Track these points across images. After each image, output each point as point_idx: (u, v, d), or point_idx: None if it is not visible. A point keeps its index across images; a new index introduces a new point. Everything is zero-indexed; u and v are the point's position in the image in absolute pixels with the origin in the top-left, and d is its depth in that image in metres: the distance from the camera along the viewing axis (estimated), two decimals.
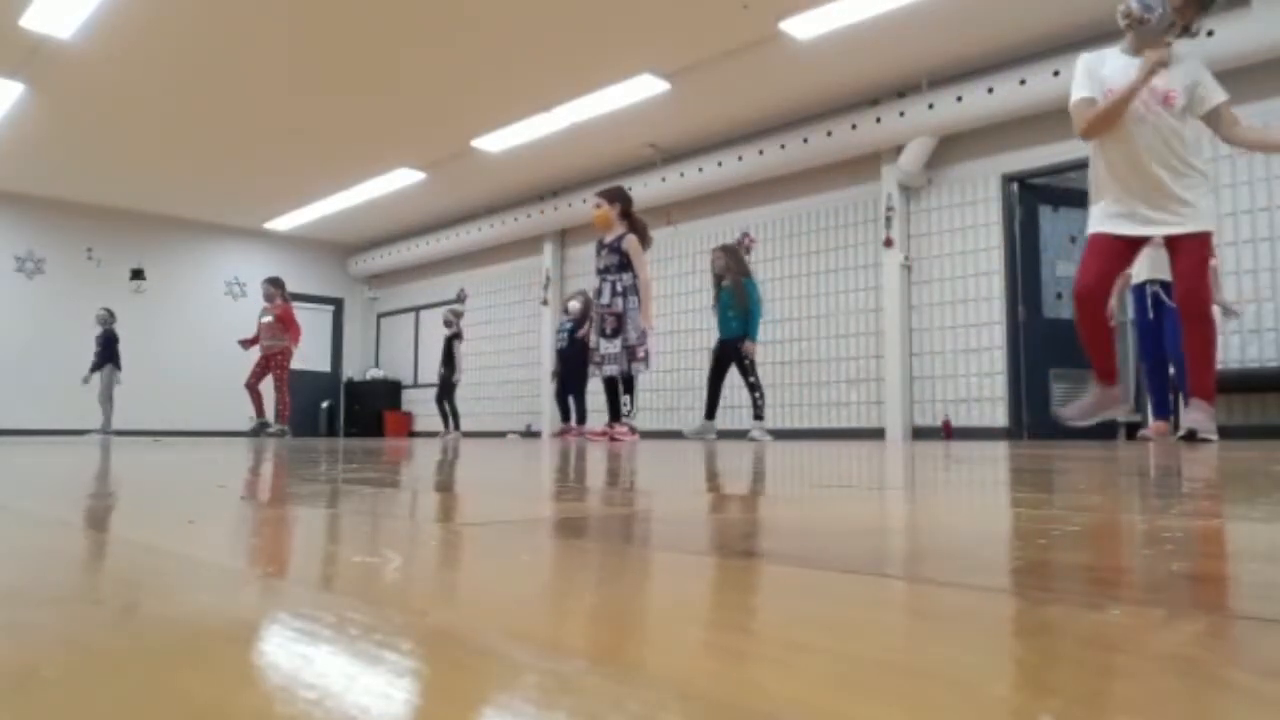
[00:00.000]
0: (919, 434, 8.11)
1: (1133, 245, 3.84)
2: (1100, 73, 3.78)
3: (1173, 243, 3.71)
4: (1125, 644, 0.35)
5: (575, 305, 8.85)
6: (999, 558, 0.62)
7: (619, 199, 6.09)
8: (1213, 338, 3.67)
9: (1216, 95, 3.60)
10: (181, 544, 0.69)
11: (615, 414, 6.15)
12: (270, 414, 9.64)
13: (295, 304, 14.27)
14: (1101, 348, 3.91)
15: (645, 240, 6.08)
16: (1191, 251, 3.66)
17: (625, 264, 6.00)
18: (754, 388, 7.06)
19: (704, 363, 8.64)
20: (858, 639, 0.37)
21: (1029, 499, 1.15)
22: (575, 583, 0.52)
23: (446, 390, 10.64)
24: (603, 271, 6.07)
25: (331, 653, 0.32)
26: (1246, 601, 0.45)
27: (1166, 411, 5.24)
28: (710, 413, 7.26)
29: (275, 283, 9.76)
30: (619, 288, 5.96)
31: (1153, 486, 1.41)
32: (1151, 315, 5.32)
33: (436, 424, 10.93)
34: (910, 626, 0.41)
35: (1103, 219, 3.82)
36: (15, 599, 0.45)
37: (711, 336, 9.35)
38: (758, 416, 7.09)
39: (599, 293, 6.10)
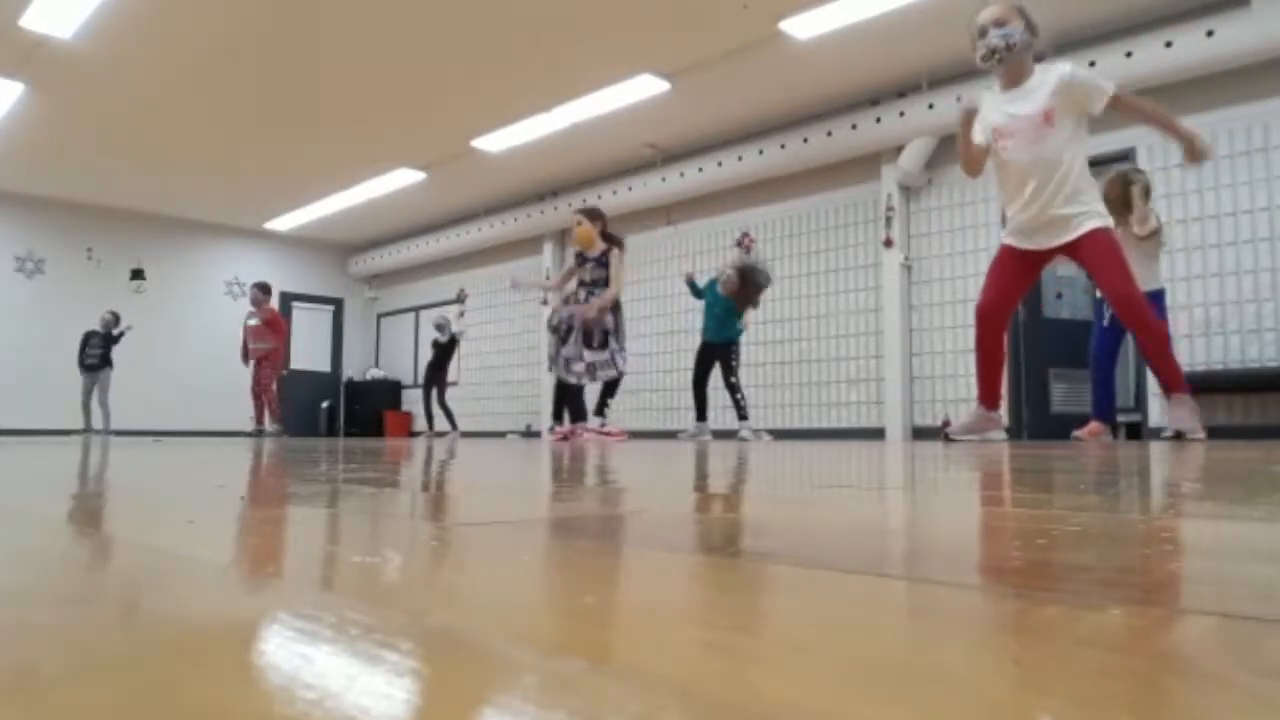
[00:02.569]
0: (919, 434, 8.11)
1: (1037, 260, 3.76)
2: (987, 119, 3.74)
3: (1076, 251, 3.62)
4: (1125, 644, 0.35)
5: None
6: (998, 557, 0.62)
7: (600, 218, 6.44)
8: (1164, 335, 3.64)
9: (1106, 86, 3.54)
10: (181, 544, 0.69)
11: (583, 415, 6.46)
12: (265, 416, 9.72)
13: (296, 304, 14.37)
14: (994, 370, 3.90)
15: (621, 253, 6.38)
16: (1102, 253, 3.56)
17: (608, 280, 6.28)
18: (734, 389, 7.17)
19: None
20: (858, 639, 0.37)
21: (1029, 499, 1.15)
22: (574, 583, 0.52)
23: (434, 387, 10.80)
24: (590, 285, 6.33)
25: (331, 653, 0.32)
26: (1246, 602, 0.45)
27: (1105, 415, 5.25)
28: (701, 414, 7.36)
29: (264, 288, 9.93)
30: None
31: (1151, 486, 1.41)
32: (1106, 323, 5.33)
33: (437, 424, 10.95)
34: (910, 626, 0.41)
35: (1008, 229, 3.80)
36: (15, 599, 0.45)
37: None
38: (743, 417, 7.19)
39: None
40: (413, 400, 14.33)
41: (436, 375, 10.92)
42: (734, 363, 7.24)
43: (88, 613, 0.42)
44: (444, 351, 10.91)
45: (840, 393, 8.80)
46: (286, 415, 13.24)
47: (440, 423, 10.81)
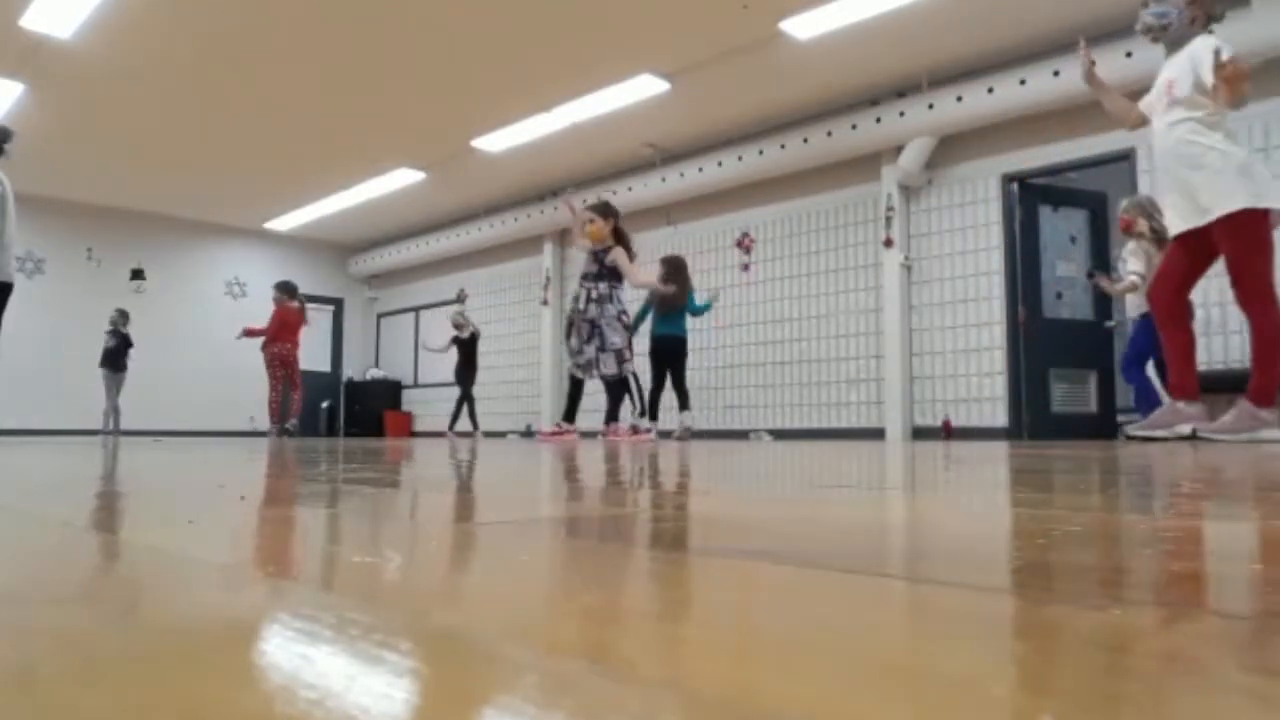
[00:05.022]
0: (919, 434, 8.11)
1: (1193, 241, 3.70)
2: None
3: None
4: (1125, 644, 0.35)
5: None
6: (999, 558, 0.62)
7: (613, 214, 6.31)
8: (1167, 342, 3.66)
9: (1205, 76, 3.52)
10: (181, 544, 0.69)
11: (613, 415, 6.32)
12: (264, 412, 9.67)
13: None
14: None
15: (631, 254, 6.29)
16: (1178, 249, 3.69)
17: (602, 274, 6.21)
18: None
19: (703, 363, 8.66)
20: (858, 639, 0.37)
21: (1029, 499, 1.15)
22: (574, 582, 0.52)
23: (469, 390, 10.74)
24: (583, 278, 6.27)
25: (332, 653, 0.32)
26: (1246, 601, 0.45)
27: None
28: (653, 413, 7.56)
29: (276, 285, 9.87)
30: (594, 295, 6.17)
31: (1150, 487, 1.41)
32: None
33: (437, 424, 10.93)
34: (910, 626, 0.41)
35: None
36: (15, 599, 0.45)
37: (710, 336, 9.37)
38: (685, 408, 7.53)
39: (577, 298, 6.32)
40: (413, 400, 14.31)
41: (467, 374, 10.77)
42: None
43: (88, 613, 0.42)
44: (469, 347, 10.78)
45: (840, 393, 8.80)
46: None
47: (464, 422, 10.72)
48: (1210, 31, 3.67)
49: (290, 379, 9.68)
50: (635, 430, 6.34)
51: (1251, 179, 3.49)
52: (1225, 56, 3.43)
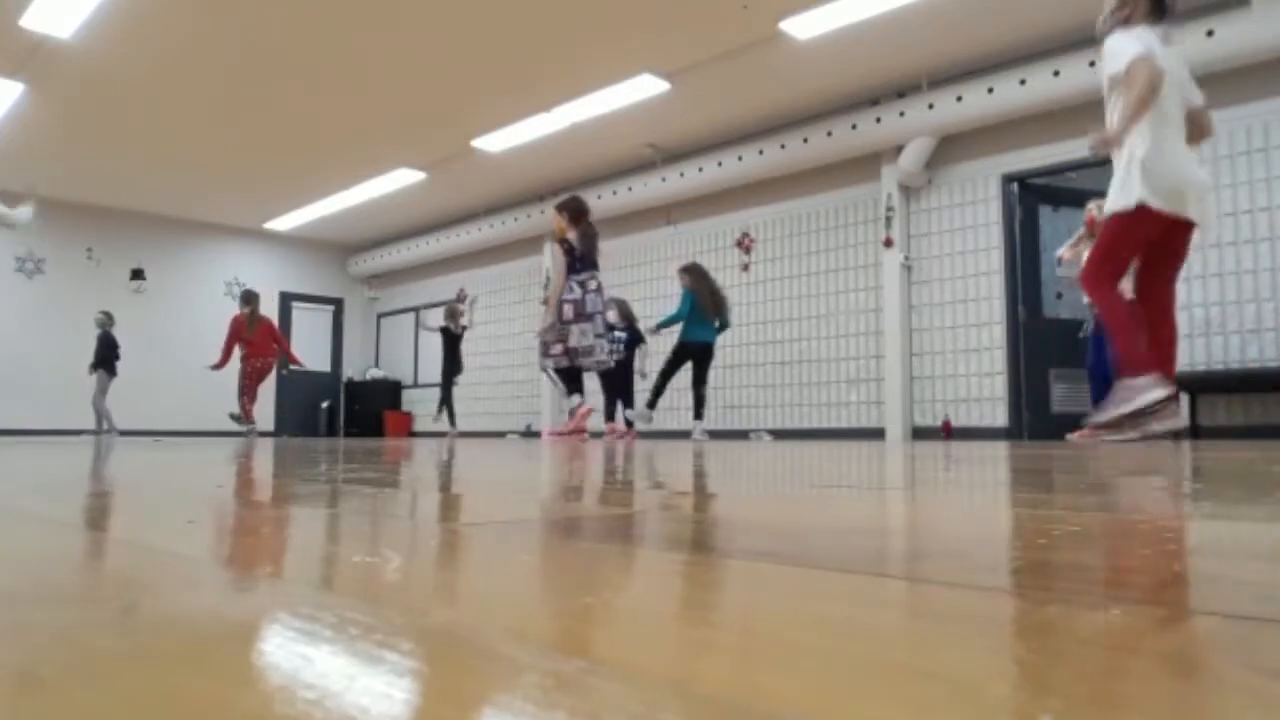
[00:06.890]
0: (919, 434, 8.11)
1: None
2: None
3: None
4: (1125, 644, 0.35)
5: (613, 315, 8.81)
6: (999, 558, 0.62)
7: (569, 209, 6.45)
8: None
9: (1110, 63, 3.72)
10: (181, 544, 0.69)
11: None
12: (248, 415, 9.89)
13: (295, 304, 14.36)
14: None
15: (593, 249, 6.37)
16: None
17: (572, 268, 6.30)
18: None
19: None
20: (858, 639, 0.37)
21: (1028, 499, 1.15)
22: (573, 583, 0.52)
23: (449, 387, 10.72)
24: None
25: (331, 653, 0.32)
26: (1246, 602, 0.45)
27: None
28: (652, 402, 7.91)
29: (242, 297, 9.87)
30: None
31: (1151, 487, 1.40)
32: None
33: (437, 424, 10.92)
34: (910, 626, 0.41)
35: None
36: (15, 599, 0.45)
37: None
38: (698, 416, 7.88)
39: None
40: (413, 400, 14.31)
41: (454, 366, 10.77)
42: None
43: (87, 613, 0.42)
44: (454, 342, 10.78)
45: (840, 393, 8.80)
46: (284, 415, 13.32)
47: (442, 421, 10.70)
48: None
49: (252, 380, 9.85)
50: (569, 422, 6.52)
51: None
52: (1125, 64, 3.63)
